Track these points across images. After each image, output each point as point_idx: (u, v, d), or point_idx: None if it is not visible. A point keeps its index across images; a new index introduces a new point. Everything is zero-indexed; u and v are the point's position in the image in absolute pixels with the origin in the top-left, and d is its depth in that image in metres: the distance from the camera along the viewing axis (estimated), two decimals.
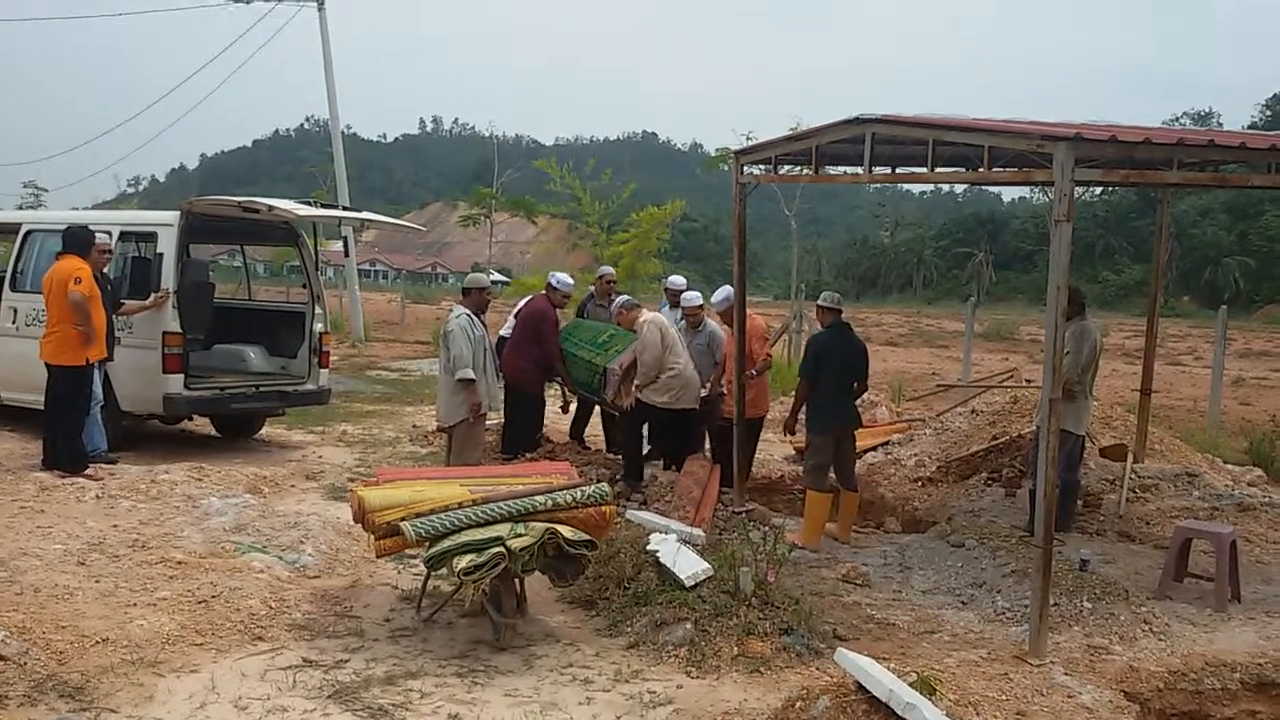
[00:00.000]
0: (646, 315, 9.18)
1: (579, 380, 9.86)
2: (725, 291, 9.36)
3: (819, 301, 8.74)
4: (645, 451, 9.35)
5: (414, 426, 12.71)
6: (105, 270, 9.50)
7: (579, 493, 5.98)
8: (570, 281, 10.39)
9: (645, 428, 9.19)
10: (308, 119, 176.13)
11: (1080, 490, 8.86)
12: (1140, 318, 41.50)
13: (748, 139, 26.00)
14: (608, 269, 11.99)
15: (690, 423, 9.16)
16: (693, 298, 9.70)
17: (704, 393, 9.17)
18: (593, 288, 11.38)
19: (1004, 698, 5.18)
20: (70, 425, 8.84)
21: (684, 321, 9.65)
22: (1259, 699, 5.91)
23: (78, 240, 9.03)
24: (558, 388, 10.63)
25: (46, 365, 8.80)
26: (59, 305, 8.69)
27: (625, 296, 9.99)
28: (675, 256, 50.00)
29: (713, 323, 9.76)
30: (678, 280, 10.85)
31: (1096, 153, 6.11)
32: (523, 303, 10.72)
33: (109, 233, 9.92)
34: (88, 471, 8.62)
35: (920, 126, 6.79)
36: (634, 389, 8.90)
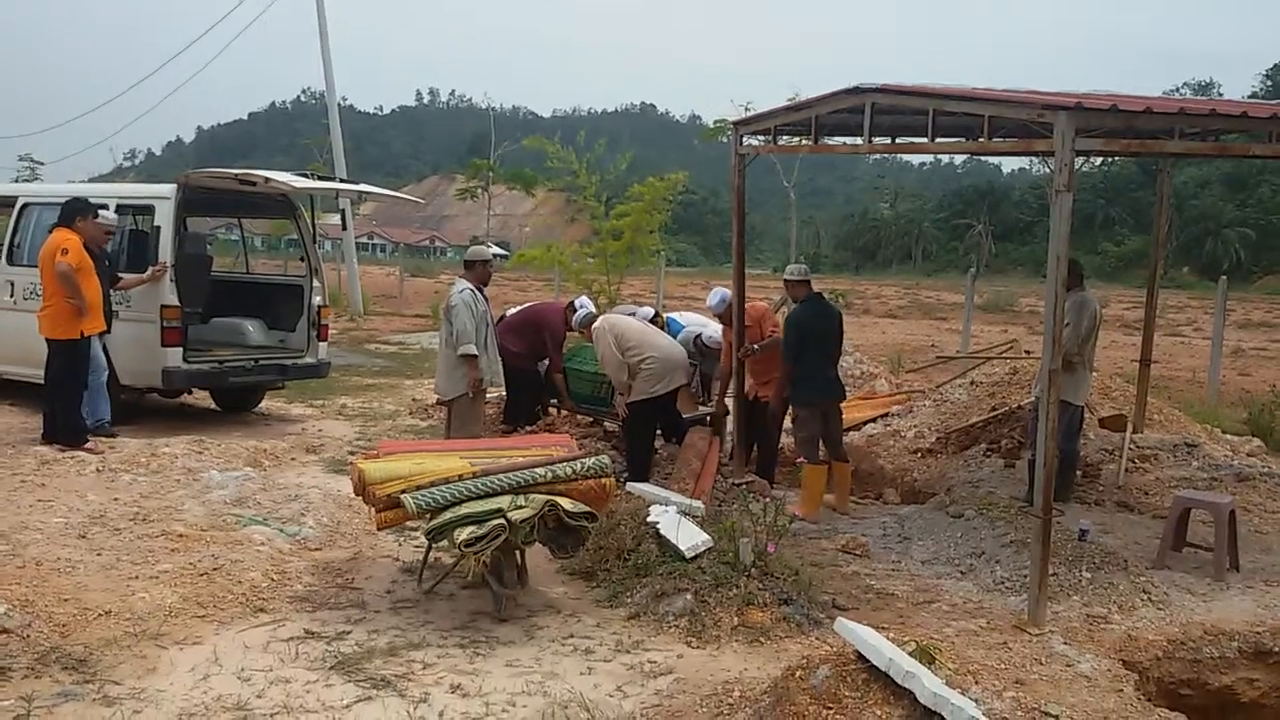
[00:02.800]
0: (597, 323, 8.78)
1: (581, 395, 9.78)
2: (720, 294, 9.25)
3: (786, 275, 8.69)
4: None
5: (413, 400, 12.71)
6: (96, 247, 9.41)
7: (579, 465, 5.99)
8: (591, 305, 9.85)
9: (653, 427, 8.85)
10: (304, 91, 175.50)
11: (1079, 460, 8.88)
12: (1140, 289, 41.45)
13: (746, 110, 25.81)
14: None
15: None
16: (713, 338, 9.58)
17: (709, 405, 9.15)
18: None
19: (1003, 666, 5.20)
20: (68, 399, 8.84)
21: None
22: (1257, 667, 5.95)
23: (67, 212, 9.01)
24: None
25: (45, 339, 8.80)
26: (49, 279, 8.70)
27: (584, 310, 9.47)
28: (674, 229, 49.86)
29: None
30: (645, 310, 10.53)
31: (1097, 122, 6.08)
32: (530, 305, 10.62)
33: (107, 207, 9.87)
34: (87, 445, 8.63)
35: (921, 96, 6.75)
36: (621, 404, 8.59)
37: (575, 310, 9.60)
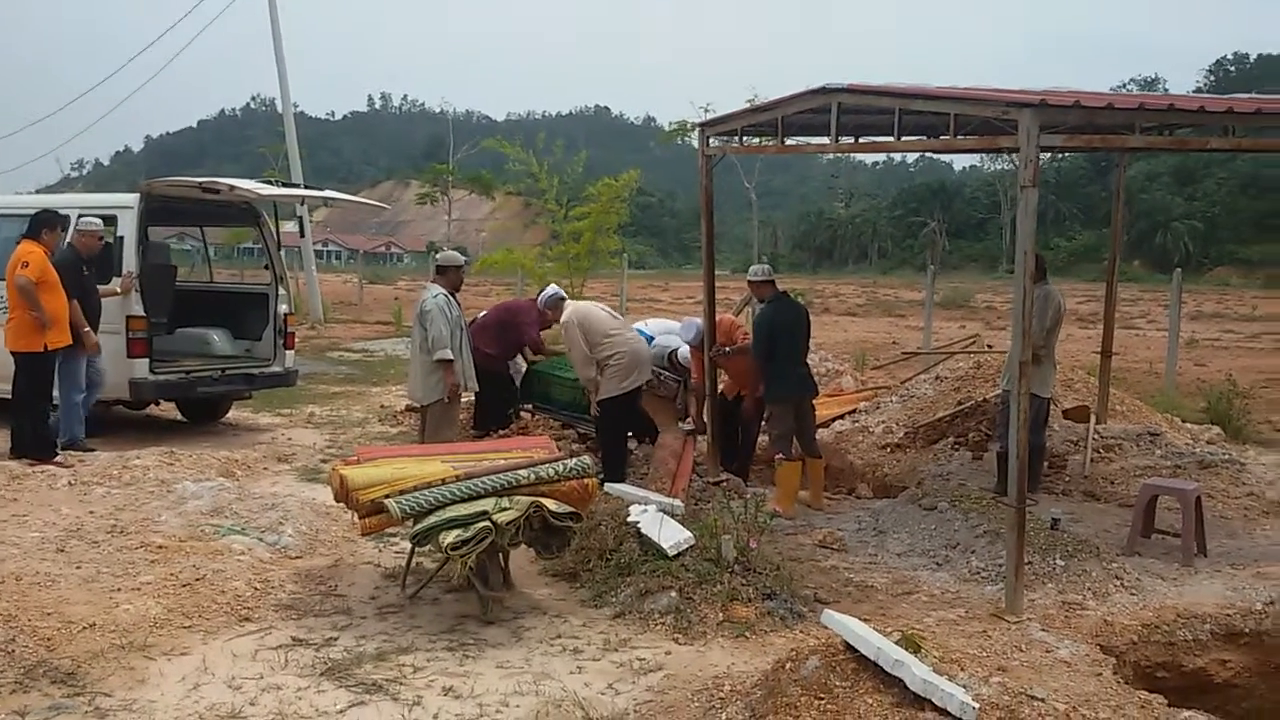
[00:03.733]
0: (566, 312, 8.63)
1: (562, 401, 9.71)
2: (695, 326, 9.18)
3: (750, 276, 8.78)
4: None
5: (381, 406, 12.69)
6: (87, 255, 9.28)
7: (561, 466, 6.03)
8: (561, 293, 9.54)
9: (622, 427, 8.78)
10: (254, 98, 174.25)
11: (1045, 452, 9.03)
12: (1092, 283, 42.13)
13: (706, 111, 25.98)
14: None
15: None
16: (686, 355, 9.46)
17: (687, 425, 9.22)
18: None
19: (984, 654, 5.30)
20: (34, 412, 8.72)
21: None
22: (1229, 648, 6.09)
23: (34, 224, 8.89)
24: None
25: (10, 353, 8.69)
26: (10, 291, 8.59)
27: (553, 289, 9.41)
28: (632, 230, 50.01)
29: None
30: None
31: (1060, 119, 6.22)
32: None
33: (110, 218, 9.76)
34: (56, 459, 8.53)
35: (887, 95, 6.85)
36: (593, 402, 8.51)
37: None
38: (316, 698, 4.72)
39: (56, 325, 8.69)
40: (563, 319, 8.58)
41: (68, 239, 9.20)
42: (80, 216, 9.50)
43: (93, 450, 9.03)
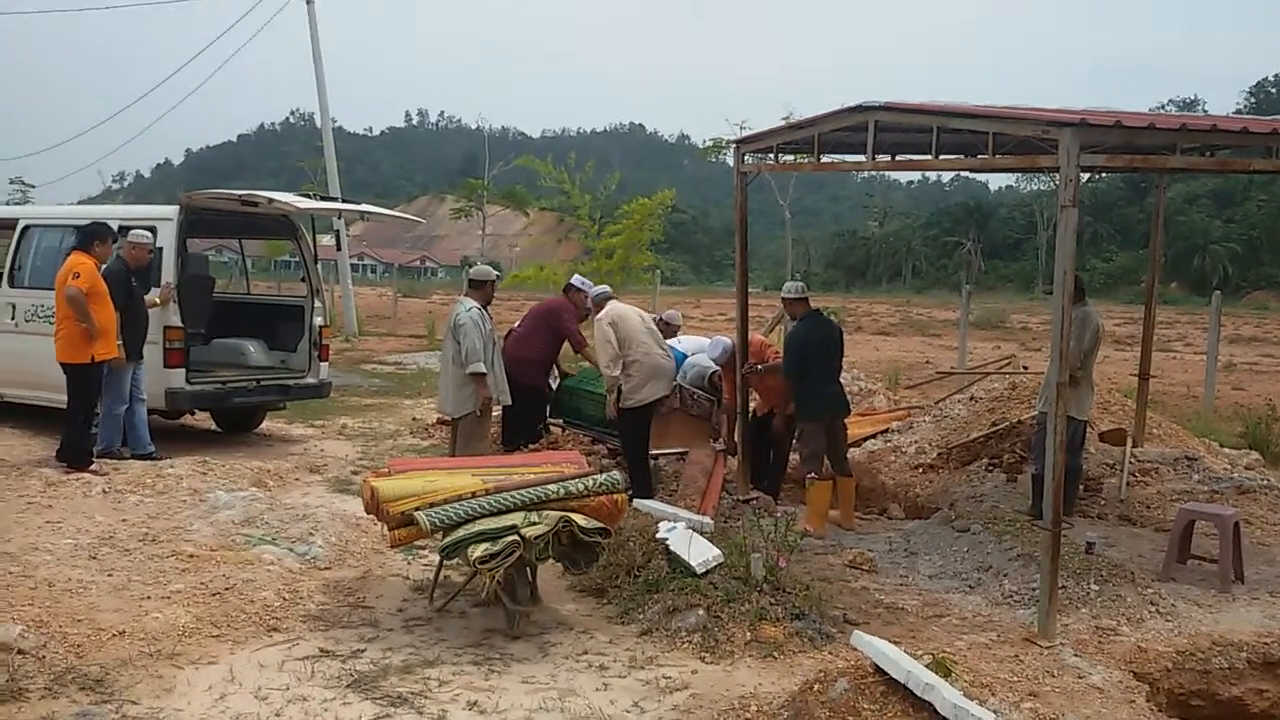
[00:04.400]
0: (605, 311, 8.67)
1: (593, 417, 9.67)
2: (723, 345, 9.23)
3: (784, 294, 8.72)
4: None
5: (414, 419, 12.73)
6: (135, 268, 9.38)
7: (591, 481, 6.01)
8: (590, 283, 10.05)
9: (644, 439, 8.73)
10: (293, 113, 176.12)
11: (1081, 474, 8.92)
12: (1129, 305, 41.65)
13: (742, 129, 26.00)
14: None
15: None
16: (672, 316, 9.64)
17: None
18: None
19: (1016, 679, 5.24)
20: (75, 422, 8.80)
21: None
22: (1266, 678, 5.98)
23: (85, 236, 8.99)
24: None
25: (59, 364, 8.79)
26: (61, 302, 8.68)
27: (604, 287, 9.64)
28: (665, 248, 49.99)
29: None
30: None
31: (1101, 138, 6.15)
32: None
33: (151, 230, 9.81)
34: (91, 468, 8.61)
35: (924, 114, 6.82)
36: (612, 404, 8.52)
37: (576, 289, 9.70)
38: (342, 710, 4.72)
39: (105, 337, 8.75)
40: (600, 314, 8.63)
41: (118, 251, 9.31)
42: (130, 229, 9.58)
43: (126, 459, 9.11)
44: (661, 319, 9.87)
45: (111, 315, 8.83)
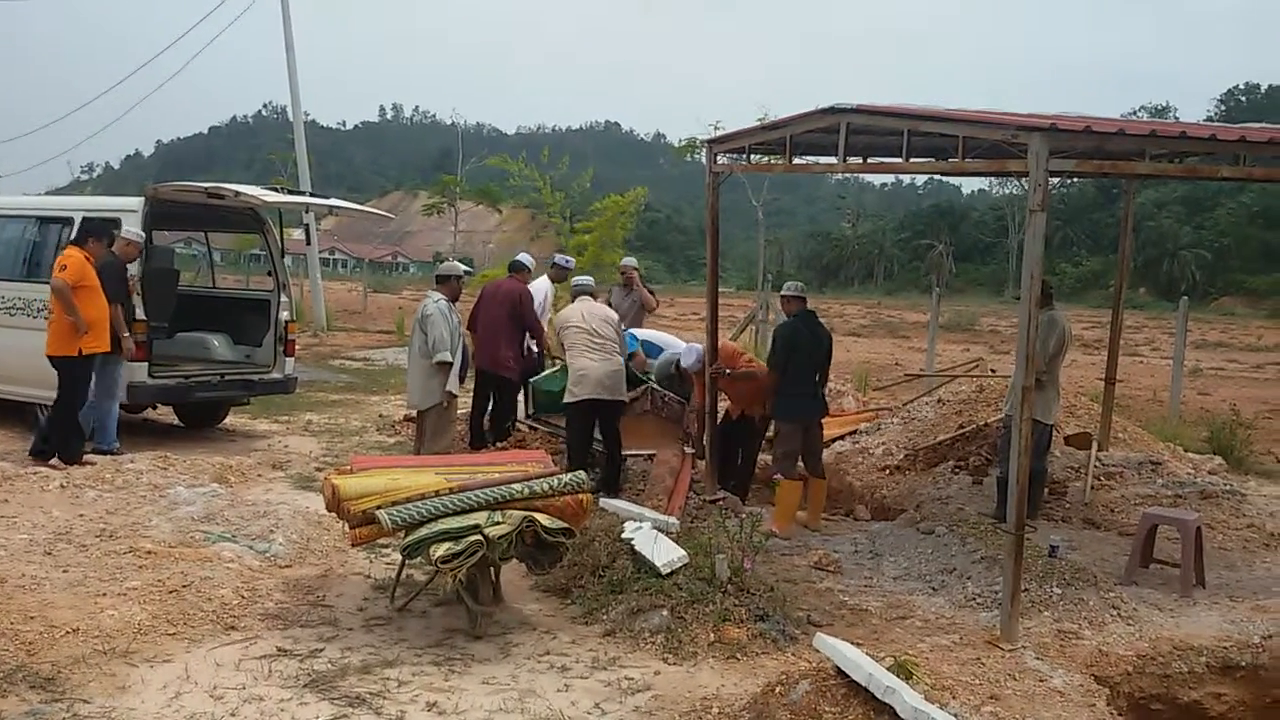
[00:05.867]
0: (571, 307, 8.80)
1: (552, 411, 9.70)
2: (696, 351, 9.20)
3: (783, 291, 8.77)
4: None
5: (380, 416, 12.63)
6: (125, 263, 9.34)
7: (556, 480, 5.97)
8: (572, 260, 11.42)
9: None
10: (265, 105, 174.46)
11: (1046, 478, 8.96)
12: (1098, 309, 42.00)
13: (716, 129, 25.95)
14: (629, 260, 12.17)
15: (604, 416, 8.69)
16: (693, 364, 9.52)
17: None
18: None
19: (977, 682, 5.25)
20: (60, 415, 8.73)
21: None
22: (1224, 682, 6.03)
23: (82, 230, 8.98)
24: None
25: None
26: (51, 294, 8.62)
27: (584, 277, 9.62)
28: (639, 246, 49.97)
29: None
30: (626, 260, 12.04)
31: (1070, 143, 6.16)
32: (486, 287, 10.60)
33: (116, 221, 9.67)
34: (52, 462, 8.51)
35: (896, 116, 6.82)
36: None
37: (525, 270, 10.17)
38: (298, 710, 4.67)
39: (93, 331, 8.66)
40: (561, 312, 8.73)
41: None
42: (125, 226, 9.52)
43: (121, 453, 9.04)
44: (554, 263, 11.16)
45: (103, 308, 8.75)
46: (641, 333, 10.67)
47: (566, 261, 11.37)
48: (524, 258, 10.54)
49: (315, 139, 33.67)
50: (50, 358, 8.66)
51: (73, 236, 8.99)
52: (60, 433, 8.71)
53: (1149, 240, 70.84)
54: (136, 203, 10.00)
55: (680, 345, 10.11)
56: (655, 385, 9.50)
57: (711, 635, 5.62)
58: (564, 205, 23.21)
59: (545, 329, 10.51)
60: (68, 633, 5.22)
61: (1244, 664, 6.08)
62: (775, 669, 5.18)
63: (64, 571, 6.07)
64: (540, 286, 10.95)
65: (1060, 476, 9.47)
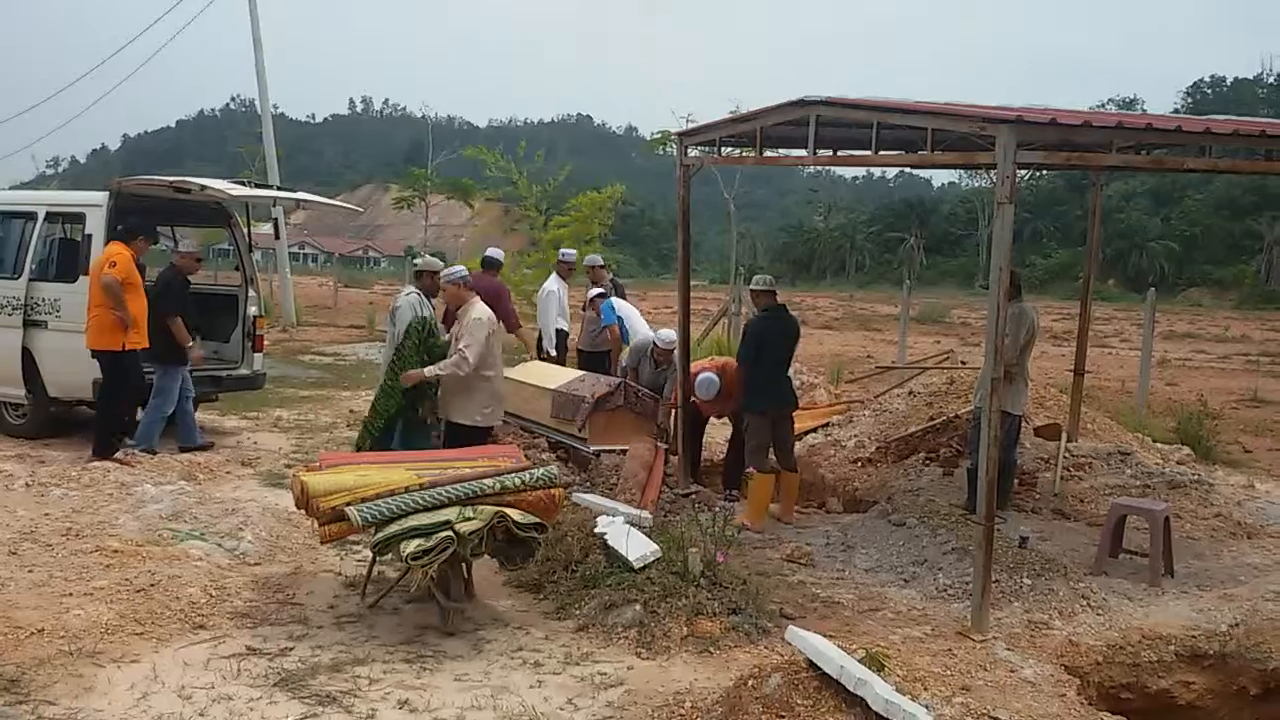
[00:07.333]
0: (479, 309, 7.85)
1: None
2: (707, 383, 8.91)
3: (752, 285, 8.80)
4: None
5: (350, 412, 12.54)
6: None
7: (527, 475, 5.94)
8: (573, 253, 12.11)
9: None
10: (233, 99, 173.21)
11: (1016, 469, 9.01)
12: (1067, 301, 42.36)
13: (688, 121, 25.93)
14: (593, 257, 12.35)
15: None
16: (667, 338, 9.57)
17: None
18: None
19: (949, 673, 5.25)
20: (106, 410, 8.98)
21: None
22: (1193, 670, 6.08)
23: (125, 231, 9.21)
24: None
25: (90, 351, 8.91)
26: (96, 289, 8.78)
27: (459, 268, 8.54)
28: (612, 240, 49.91)
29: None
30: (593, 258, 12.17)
31: (1037, 135, 6.19)
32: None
33: (79, 217, 9.90)
34: (116, 456, 8.72)
35: (864, 109, 6.82)
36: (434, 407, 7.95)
37: (500, 265, 10.81)
38: (268, 709, 4.62)
39: (136, 327, 8.88)
40: (475, 313, 7.84)
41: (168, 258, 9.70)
42: (182, 239, 9.97)
43: (155, 454, 9.13)
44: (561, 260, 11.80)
45: (143, 306, 9.01)
46: (621, 308, 11.24)
47: (566, 255, 12.03)
48: (495, 253, 10.61)
49: (284, 132, 33.40)
50: (94, 352, 8.87)
51: (117, 234, 9.22)
52: (100, 425, 8.98)
53: (1117, 232, 71.51)
54: (102, 197, 9.88)
55: (648, 330, 10.37)
56: (629, 381, 9.49)
57: (684, 629, 5.62)
58: (539, 199, 23.14)
59: (568, 328, 11.50)
60: (33, 633, 5.16)
61: (1212, 652, 6.14)
62: (748, 662, 5.18)
63: (29, 571, 6.00)
64: (550, 288, 11.49)
65: (1030, 468, 9.52)
